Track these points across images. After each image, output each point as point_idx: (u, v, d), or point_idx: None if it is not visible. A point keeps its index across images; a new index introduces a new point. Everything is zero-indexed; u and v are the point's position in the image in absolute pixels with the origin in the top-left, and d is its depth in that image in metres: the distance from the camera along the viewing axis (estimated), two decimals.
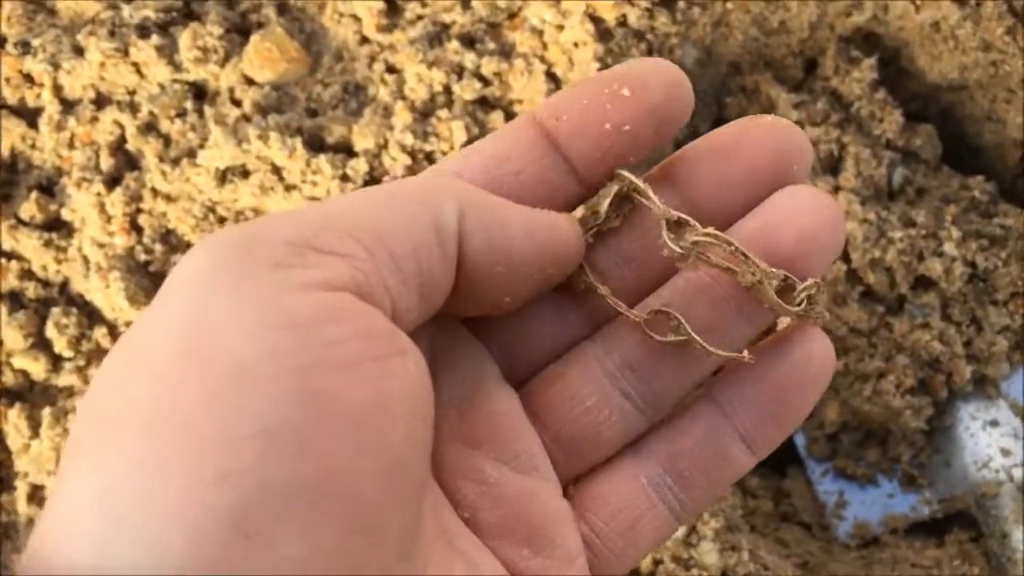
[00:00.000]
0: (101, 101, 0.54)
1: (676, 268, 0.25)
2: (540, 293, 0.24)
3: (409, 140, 0.52)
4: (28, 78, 0.54)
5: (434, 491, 0.23)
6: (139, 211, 0.53)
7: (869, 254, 0.55)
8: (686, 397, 0.26)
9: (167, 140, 0.54)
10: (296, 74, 0.55)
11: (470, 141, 0.52)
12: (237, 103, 0.54)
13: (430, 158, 0.53)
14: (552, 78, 0.54)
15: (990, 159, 0.62)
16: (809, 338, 0.25)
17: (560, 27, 0.54)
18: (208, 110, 0.54)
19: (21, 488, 0.51)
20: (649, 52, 0.55)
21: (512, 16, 0.56)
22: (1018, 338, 0.55)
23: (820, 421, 0.57)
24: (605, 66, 0.50)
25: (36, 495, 0.52)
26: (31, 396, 0.53)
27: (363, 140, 0.53)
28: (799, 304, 0.24)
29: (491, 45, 0.55)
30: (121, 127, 0.54)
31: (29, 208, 0.53)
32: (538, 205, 0.24)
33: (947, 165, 0.60)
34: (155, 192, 0.53)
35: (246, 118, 0.53)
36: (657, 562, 0.49)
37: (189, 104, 0.54)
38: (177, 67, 0.54)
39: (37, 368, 0.52)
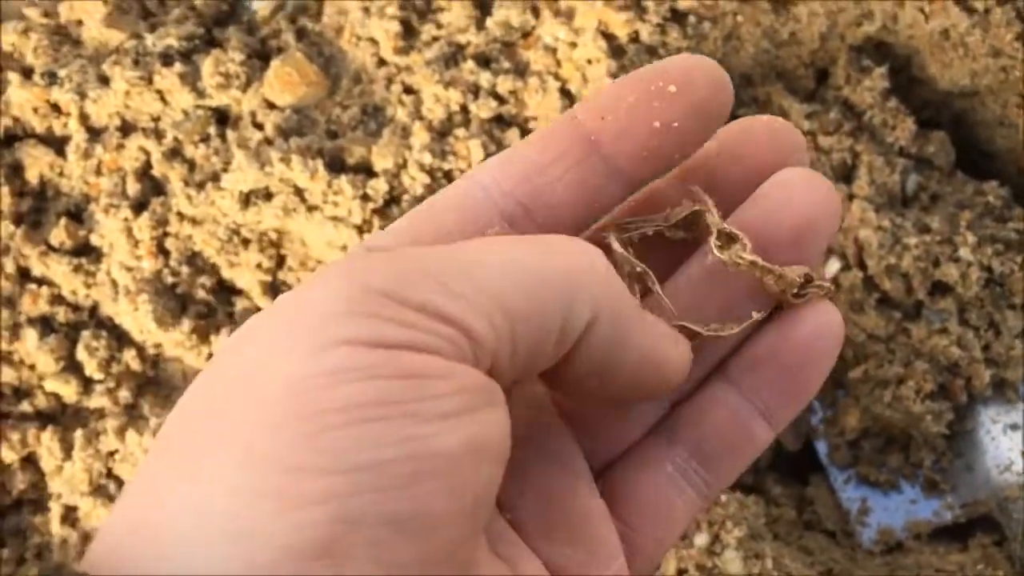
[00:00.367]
0: (126, 128, 0.56)
1: (685, 258, 0.26)
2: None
3: (428, 159, 0.53)
4: (55, 107, 0.56)
5: None
6: (166, 235, 0.54)
7: (885, 261, 0.55)
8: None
9: (191, 165, 0.55)
10: (316, 97, 0.56)
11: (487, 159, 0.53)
12: (259, 127, 0.55)
13: (448, 176, 0.54)
14: (566, 95, 0.55)
15: (1003, 164, 0.62)
16: (818, 309, 0.25)
17: (573, 44, 0.55)
18: (231, 134, 0.55)
19: (55, 509, 0.52)
20: None
21: (526, 35, 0.57)
22: None
23: (841, 428, 0.57)
24: None
25: (69, 516, 0.52)
26: (63, 419, 0.54)
27: (382, 160, 0.54)
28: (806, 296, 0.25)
29: (506, 64, 0.56)
30: (147, 153, 0.55)
31: (59, 234, 0.54)
32: (579, 209, 0.24)
33: (960, 171, 0.61)
34: (181, 216, 0.54)
35: (268, 141, 0.54)
36: (682, 571, 0.49)
37: (212, 129, 0.55)
38: (200, 93, 0.55)
39: (68, 391, 0.53)
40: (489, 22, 0.56)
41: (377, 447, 0.18)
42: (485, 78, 0.55)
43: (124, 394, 0.53)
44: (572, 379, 0.22)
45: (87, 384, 0.53)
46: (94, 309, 0.55)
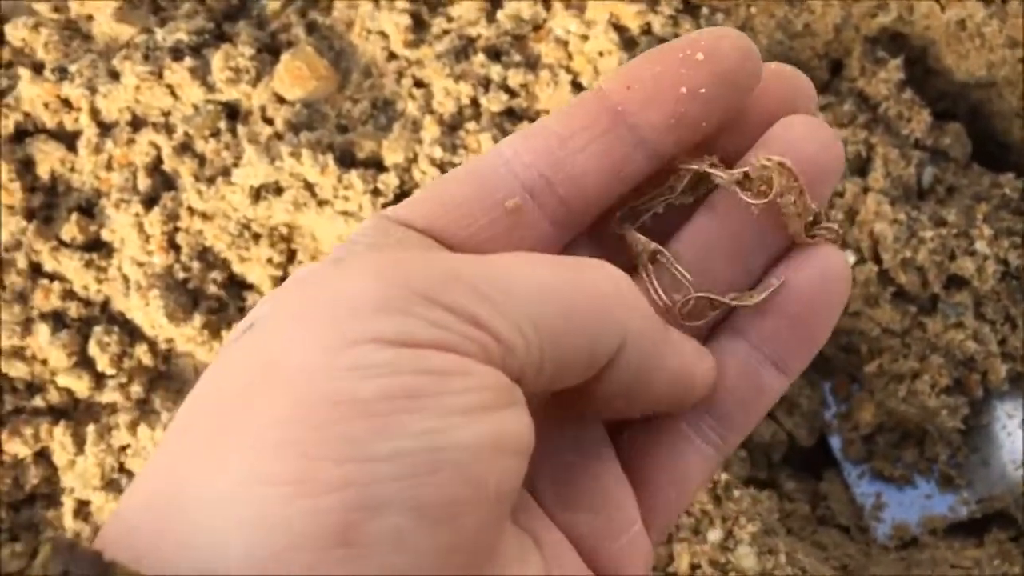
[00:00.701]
0: (137, 123, 0.56)
1: (690, 215, 0.26)
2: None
3: (438, 153, 0.53)
4: (66, 103, 0.56)
5: None
6: (176, 230, 0.54)
7: (900, 254, 0.54)
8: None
9: (202, 160, 0.55)
10: (326, 91, 0.56)
11: None
12: (269, 121, 0.55)
13: None
14: (578, 88, 0.54)
15: (1020, 156, 0.61)
16: (824, 254, 0.25)
17: (585, 37, 0.55)
18: (241, 129, 0.55)
19: (67, 504, 0.53)
20: None
21: (537, 28, 0.56)
22: None
23: (855, 423, 0.57)
24: None
25: (82, 511, 0.53)
26: (75, 413, 0.54)
27: (393, 154, 0.54)
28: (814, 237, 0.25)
29: (517, 57, 0.55)
30: (157, 148, 0.55)
31: (70, 230, 0.54)
32: (603, 179, 0.24)
33: (977, 163, 0.60)
34: (191, 211, 0.54)
35: (278, 136, 0.54)
36: (695, 567, 0.49)
37: (222, 124, 0.55)
38: (210, 88, 0.55)
39: (80, 386, 0.53)
40: (500, 15, 0.56)
41: (397, 438, 0.18)
42: (496, 71, 0.55)
43: (136, 389, 0.53)
44: (600, 398, 0.22)
45: (99, 379, 0.54)
46: (106, 304, 0.55)
